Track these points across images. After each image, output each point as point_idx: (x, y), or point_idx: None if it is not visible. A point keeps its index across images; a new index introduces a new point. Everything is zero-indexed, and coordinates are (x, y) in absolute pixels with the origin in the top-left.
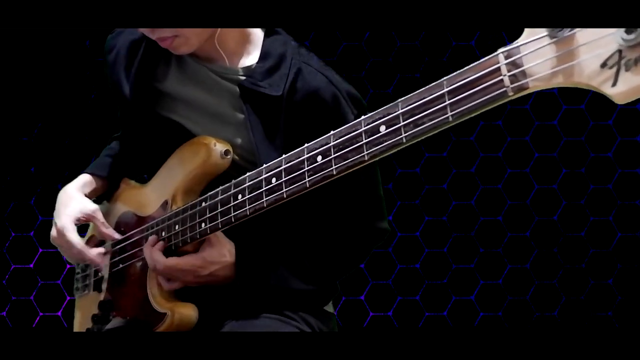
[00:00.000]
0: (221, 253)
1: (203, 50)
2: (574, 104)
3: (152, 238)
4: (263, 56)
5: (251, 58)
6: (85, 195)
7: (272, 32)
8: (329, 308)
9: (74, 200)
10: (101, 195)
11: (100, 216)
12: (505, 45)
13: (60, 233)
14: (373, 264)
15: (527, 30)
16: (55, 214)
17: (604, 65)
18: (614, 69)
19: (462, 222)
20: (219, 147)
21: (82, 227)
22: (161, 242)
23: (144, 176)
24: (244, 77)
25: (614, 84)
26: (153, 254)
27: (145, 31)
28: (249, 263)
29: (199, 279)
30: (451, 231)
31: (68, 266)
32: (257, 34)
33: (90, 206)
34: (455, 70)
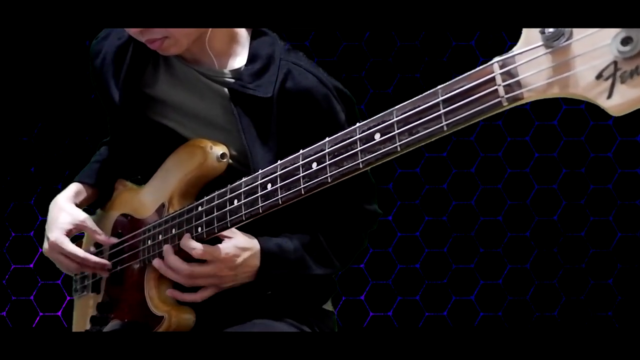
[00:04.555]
0: (247, 240)
1: (191, 52)
2: (574, 104)
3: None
4: (251, 58)
5: (239, 60)
6: (77, 205)
7: (259, 33)
8: (328, 306)
9: (64, 212)
10: (94, 203)
11: (91, 224)
12: (505, 45)
13: (56, 247)
14: (373, 264)
15: (522, 39)
16: (47, 227)
17: (599, 76)
18: (610, 81)
19: (462, 222)
20: (215, 150)
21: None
22: (188, 234)
23: (138, 177)
24: (233, 80)
25: (609, 96)
26: (186, 242)
27: (135, 33)
28: (274, 250)
29: (234, 271)
30: (451, 231)
31: None
32: (244, 34)
33: (80, 216)
34: (455, 71)
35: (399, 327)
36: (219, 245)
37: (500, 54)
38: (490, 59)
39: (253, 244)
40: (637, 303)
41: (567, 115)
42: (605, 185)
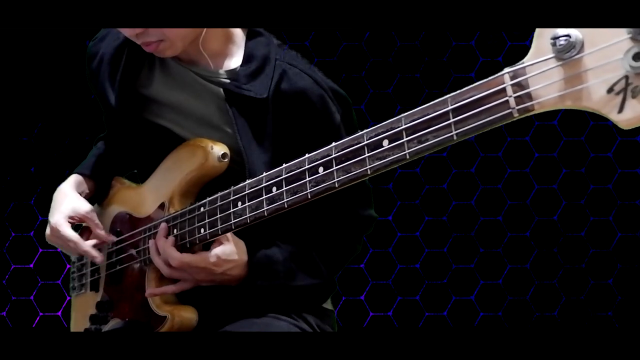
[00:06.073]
0: (235, 251)
1: (186, 53)
2: None
3: (163, 227)
4: (246, 59)
5: (235, 60)
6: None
7: (254, 33)
8: (328, 305)
9: (68, 198)
10: (91, 198)
11: (94, 217)
12: (505, 45)
13: (54, 229)
14: (373, 264)
15: (532, 50)
16: (50, 212)
17: (610, 90)
18: (621, 96)
19: (462, 222)
20: (216, 149)
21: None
22: (172, 238)
23: (135, 172)
24: (228, 81)
25: (620, 111)
26: (167, 249)
27: (130, 35)
28: (262, 262)
29: (212, 276)
30: (451, 231)
31: (68, 266)
32: (239, 34)
33: (85, 206)
34: (455, 71)
35: (399, 327)
36: (201, 254)
37: (500, 54)
38: (490, 59)
39: (239, 255)
40: (637, 303)
41: (567, 115)
42: (605, 185)
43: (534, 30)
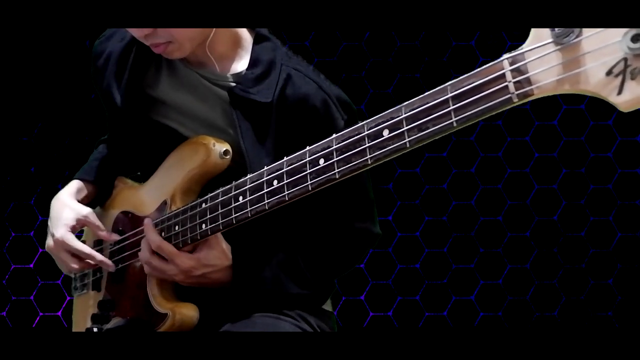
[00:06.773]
0: (217, 256)
1: (194, 56)
2: (574, 104)
3: (147, 221)
4: (252, 63)
5: (242, 64)
6: (78, 201)
7: (261, 38)
8: (328, 307)
9: (67, 208)
10: (94, 200)
11: (94, 219)
12: (505, 45)
13: (62, 244)
14: (373, 264)
15: (531, 36)
16: (50, 223)
17: (609, 73)
18: (620, 78)
19: (462, 222)
20: (219, 147)
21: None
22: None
23: (138, 174)
24: (234, 84)
25: (619, 93)
26: (149, 232)
27: (139, 37)
28: (247, 267)
29: (190, 279)
30: (451, 231)
31: None
32: (247, 38)
33: (83, 211)
34: (455, 71)
35: (399, 327)
36: (181, 253)
37: (500, 54)
38: (490, 59)
39: (221, 260)
40: (637, 303)
41: (567, 115)
42: (605, 185)
43: None
